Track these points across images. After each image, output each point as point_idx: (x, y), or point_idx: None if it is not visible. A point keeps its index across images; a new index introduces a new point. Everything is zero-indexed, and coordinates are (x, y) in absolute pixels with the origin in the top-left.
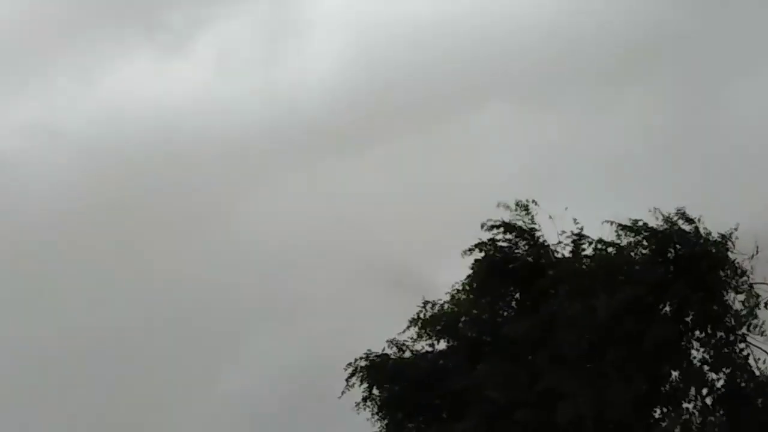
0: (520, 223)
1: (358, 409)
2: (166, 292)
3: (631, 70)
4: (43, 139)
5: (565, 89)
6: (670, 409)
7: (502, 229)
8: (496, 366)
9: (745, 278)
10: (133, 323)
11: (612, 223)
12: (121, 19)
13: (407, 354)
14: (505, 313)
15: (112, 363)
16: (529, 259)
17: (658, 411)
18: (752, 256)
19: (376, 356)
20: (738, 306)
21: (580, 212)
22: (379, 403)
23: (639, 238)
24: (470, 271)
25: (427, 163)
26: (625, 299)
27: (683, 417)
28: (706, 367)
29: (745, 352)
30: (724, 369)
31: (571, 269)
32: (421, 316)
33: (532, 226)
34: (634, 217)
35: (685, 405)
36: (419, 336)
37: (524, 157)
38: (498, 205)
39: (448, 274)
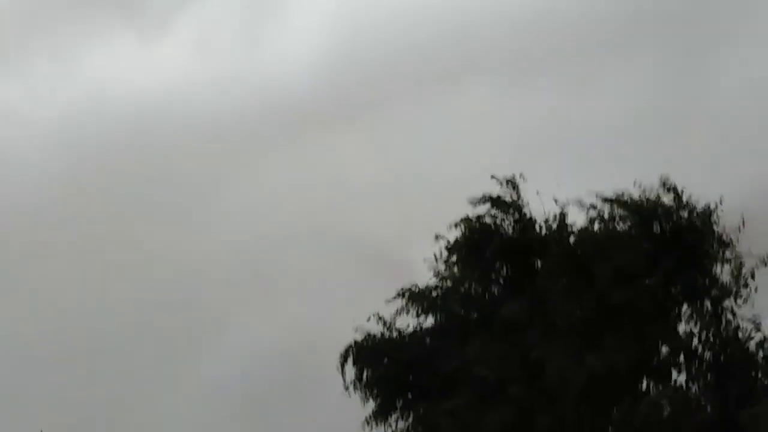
0: (507, 198)
1: (348, 391)
2: (148, 278)
3: (612, 45)
4: (23, 126)
5: (547, 66)
6: (658, 381)
7: (489, 204)
8: (486, 344)
9: (731, 249)
10: (114, 309)
11: (597, 196)
12: (100, 3)
13: (394, 334)
14: (494, 290)
15: (93, 350)
16: (516, 234)
17: (645, 384)
18: (738, 228)
19: (366, 337)
20: (725, 278)
21: (565, 188)
22: (368, 383)
23: (624, 211)
24: (454, 248)
25: (409, 142)
26: (613, 271)
27: (671, 388)
28: (694, 339)
29: (733, 324)
30: (712, 340)
31: (559, 244)
32: (411, 289)
33: (519, 202)
34: (618, 192)
35: (674, 378)
36: (406, 309)
37: (506, 135)
38: (492, 177)
39: (429, 254)
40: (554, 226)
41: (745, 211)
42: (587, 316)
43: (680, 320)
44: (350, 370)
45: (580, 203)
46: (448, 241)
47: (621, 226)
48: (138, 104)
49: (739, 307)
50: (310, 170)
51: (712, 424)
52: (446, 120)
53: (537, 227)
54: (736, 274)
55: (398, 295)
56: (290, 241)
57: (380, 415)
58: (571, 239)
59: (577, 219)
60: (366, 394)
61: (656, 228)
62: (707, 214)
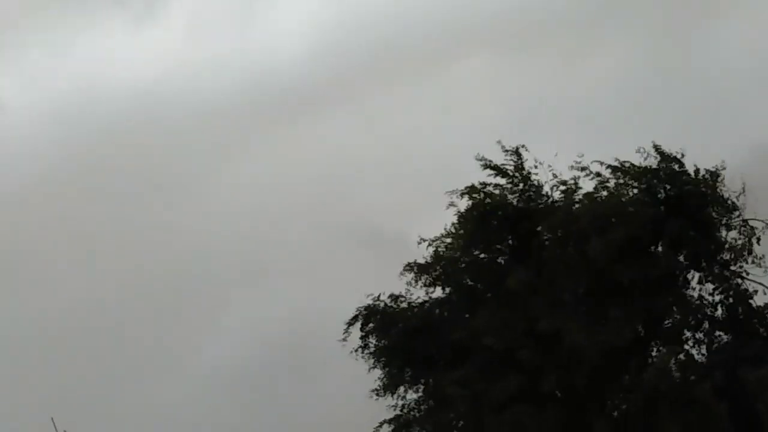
0: (511, 168)
1: (356, 356)
2: (145, 261)
3: (607, 17)
4: (19, 114)
5: (543, 38)
6: (667, 345)
7: (494, 173)
8: (493, 313)
9: (737, 213)
10: (113, 293)
11: (601, 163)
12: None
13: (404, 304)
14: (501, 260)
15: (92, 332)
16: (521, 204)
17: (655, 350)
18: (740, 193)
19: (374, 303)
20: (731, 241)
21: (565, 159)
22: (377, 350)
23: (627, 179)
24: (459, 218)
25: (404, 119)
26: (619, 240)
27: (679, 353)
28: (705, 302)
29: (742, 287)
30: (723, 301)
31: (564, 213)
32: (416, 261)
33: (523, 172)
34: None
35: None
36: (416, 281)
37: (503, 108)
38: (498, 142)
39: (427, 232)
40: (559, 194)
41: (745, 175)
42: (592, 285)
43: (688, 286)
44: (357, 335)
45: (582, 169)
46: (459, 211)
47: (624, 194)
48: (131, 89)
49: (747, 273)
50: (307, 149)
51: (721, 388)
52: (443, 96)
53: (542, 196)
54: (745, 238)
55: (406, 269)
56: (286, 222)
57: (389, 386)
58: (575, 208)
59: (580, 188)
60: (373, 362)
61: (660, 194)
62: (711, 178)
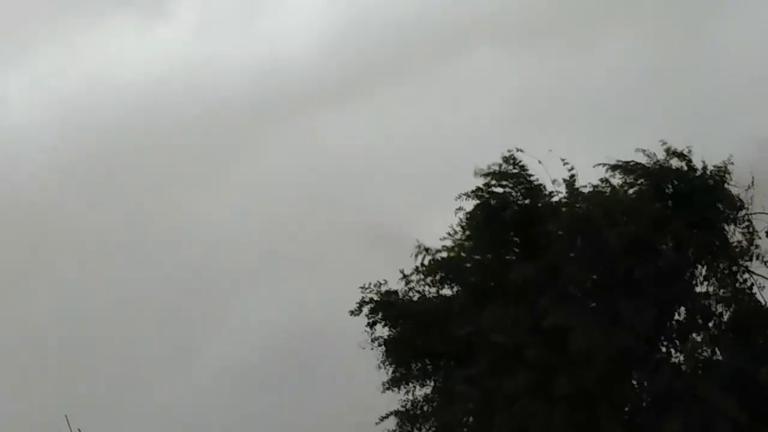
0: (511, 171)
1: (365, 347)
2: (151, 258)
3: (613, 10)
4: (27, 112)
5: (548, 32)
6: (677, 343)
7: (495, 179)
8: (501, 310)
9: (744, 209)
10: (118, 292)
11: (604, 165)
12: None
13: (414, 297)
14: (508, 258)
15: (105, 332)
16: (526, 202)
17: (665, 348)
18: (748, 187)
19: (384, 293)
20: (738, 237)
21: (570, 155)
22: (384, 344)
23: (632, 177)
24: (463, 220)
25: (414, 116)
26: (630, 234)
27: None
28: (712, 299)
29: (749, 283)
30: (730, 297)
31: (569, 211)
32: (423, 262)
33: (526, 172)
34: (623, 158)
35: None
36: (425, 278)
37: (508, 103)
38: (499, 148)
39: (434, 229)
40: (562, 193)
41: (753, 170)
42: (600, 282)
43: (695, 282)
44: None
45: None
46: (466, 213)
47: (629, 191)
48: (141, 85)
49: (754, 266)
50: (314, 147)
51: (732, 384)
52: (452, 92)
53: (547, 194)
54: (751, 234)
55: (414, 271)
56: (294, 217)
57: (398, 381)
58: (580, 206)
59: (586, 184)
60: (383, 355)
61: (667, 190)
62: (718, 174)
